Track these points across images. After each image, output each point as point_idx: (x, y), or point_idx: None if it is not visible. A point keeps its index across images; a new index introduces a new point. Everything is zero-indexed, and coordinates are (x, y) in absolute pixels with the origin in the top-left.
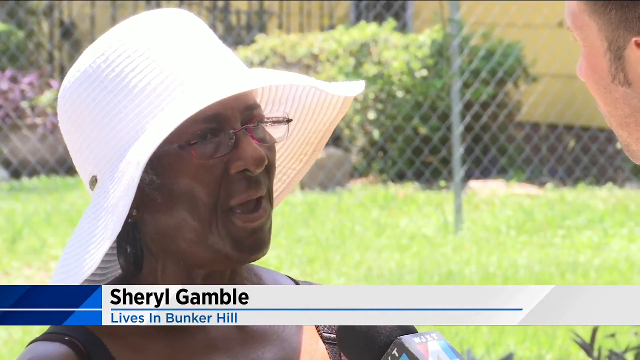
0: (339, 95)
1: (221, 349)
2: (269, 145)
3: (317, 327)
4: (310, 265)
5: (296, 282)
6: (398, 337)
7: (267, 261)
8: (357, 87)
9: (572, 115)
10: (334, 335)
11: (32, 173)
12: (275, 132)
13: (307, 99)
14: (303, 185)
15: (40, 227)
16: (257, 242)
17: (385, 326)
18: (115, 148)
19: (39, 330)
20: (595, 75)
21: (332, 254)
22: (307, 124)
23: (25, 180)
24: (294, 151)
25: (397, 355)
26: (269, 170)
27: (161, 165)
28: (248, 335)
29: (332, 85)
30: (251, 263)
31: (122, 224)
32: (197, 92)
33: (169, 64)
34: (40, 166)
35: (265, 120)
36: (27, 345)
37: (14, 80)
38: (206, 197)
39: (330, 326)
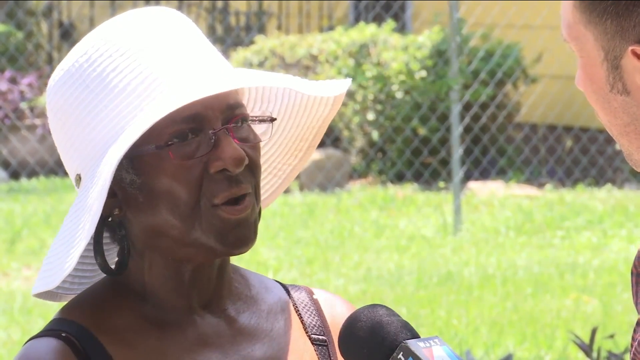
0: (322, 95)
1: (212, 344)
2: (253, 144)
3: (305, 329)
4: (310, 266)
5: (284, 287)
6: (403, 342)
7: (266, 262)
8: (341, 86)
9: (571, 116)
10: (323, 337)
11: (31, 174)
12: (261, 130)
13: (297, 96)
14: (302, 187)
15: (40, 228)
16: (241, 237)
17: (389, 331)
18: (97, 147)
19: (38, 330)
20: (593, 86)
21: (331, 255)
22: (300, 120)
23: (24, 181)
24: (288, 147)
25: (403, 359)
26: (253, 169)
27: (141, 165)
28: (237, 332)
29: (313, 85)
30: (238, 265)
31: (95, 225)
32: (175, 93)
33: (149, 64)
34: (39, 167)
35: (250, 118)
36: (25, 344)
37: (13, 81)
38: (186, 196)
39: (319, 328)
